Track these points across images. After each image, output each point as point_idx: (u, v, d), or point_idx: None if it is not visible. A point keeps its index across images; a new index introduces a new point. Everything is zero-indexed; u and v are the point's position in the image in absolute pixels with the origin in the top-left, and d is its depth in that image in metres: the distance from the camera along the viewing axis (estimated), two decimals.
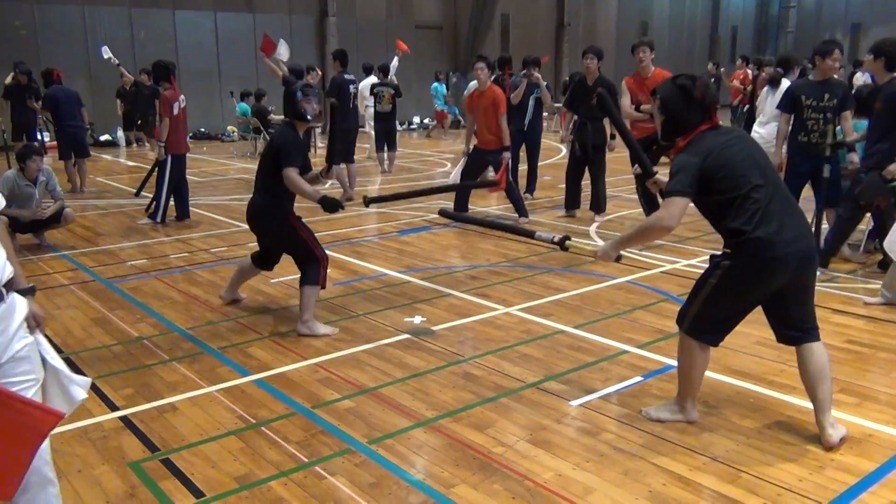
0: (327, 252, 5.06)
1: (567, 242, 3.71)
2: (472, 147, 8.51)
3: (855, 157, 6.20)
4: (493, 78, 9.24)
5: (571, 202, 8.65)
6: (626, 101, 7.62)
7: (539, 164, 10.26)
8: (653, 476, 3.06)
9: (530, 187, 9.93)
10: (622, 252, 3.58)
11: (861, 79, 17.65)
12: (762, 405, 3.70)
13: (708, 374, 4.01)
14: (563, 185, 8.79)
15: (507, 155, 8.15)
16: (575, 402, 3.75)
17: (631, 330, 4.78)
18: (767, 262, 3.08)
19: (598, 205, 8.47)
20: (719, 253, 3.24)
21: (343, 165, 9.81)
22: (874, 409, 3.65)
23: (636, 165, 7.75)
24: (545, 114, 11.58)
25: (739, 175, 3.10)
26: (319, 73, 15.02)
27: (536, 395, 3.85)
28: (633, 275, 6.08)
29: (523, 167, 10.03)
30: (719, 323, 3.31)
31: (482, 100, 8.23)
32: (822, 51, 6.22)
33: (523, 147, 9.66)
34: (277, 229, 4.91)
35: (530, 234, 4.01)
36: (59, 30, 16.58)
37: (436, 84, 19.36)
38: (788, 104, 6.43)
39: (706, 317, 3.29)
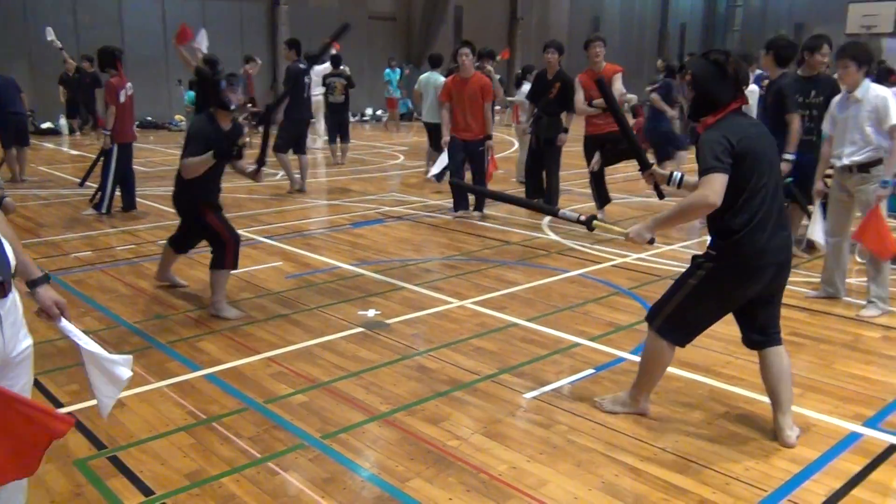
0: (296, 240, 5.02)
1: (594, 222, 3.55)
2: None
3: None
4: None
5: (532, 194, 8.70)
6: (579, 97, 7.71)
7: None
8: (605, 467, 3.10)
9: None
10: (654, 235, 3.38)
11: None
12: (709, 396, 3.78)
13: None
14: (515, 179, 8.84)
15: (490, 143, 8.10)
16: (529, 395, 3.78)
17: (583, 323, 4.84)
18: (751, 269, 3.09)
19: (551, 198, 8.53)
20: (702, 253, 3.23)
21: (294, 156, 9.71)
22: (817, 399, 3.76)
23: (593, 162, 7.92)
24: (497, 107, 11.62)
25: (758, 170, 3.06)
26: (259, 62, 14.83)
27: (491, 387, 3.87)
28: (585, 268, 6.15)
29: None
30: (691, 325, 3.31)
31: (466, 88, 7.95)
32: (810, 46, 6.11)
33: None
34: (187, 213, 5.09)
35: (555, 213, 3.87)
36: None
37: (388, 70, 19.26)
38: None
39: (680, 317, 3.27)
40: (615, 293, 5.48)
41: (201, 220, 5.01)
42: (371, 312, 5.01)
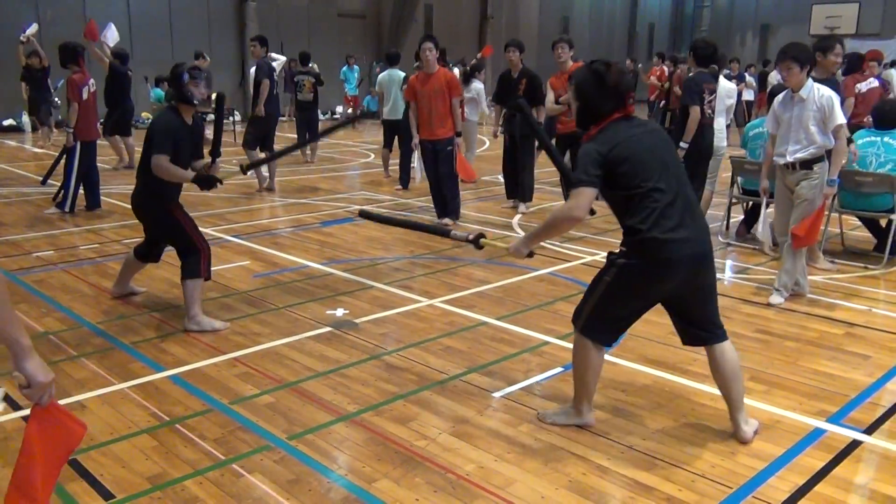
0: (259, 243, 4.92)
1: (481, 241, 3.59)
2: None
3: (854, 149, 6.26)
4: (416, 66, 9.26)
5: (511, 191, 8.72)
6: (550, 98, 7.78)
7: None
8: (572, 466, 3.10)
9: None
10: (533, 248, 3.44)
11: (776, 77, 18.39)
12: (676, 394, 3.80)
13: (624, 363, 4.13)
14: (486, 178, 8.84)
15: (459, 141, 7.77)
16: (497, 394, 3.77)
17: (552, 321, 4.84)
18: (661, 263, 3.05)
19: (524, 194, 8.55)
20: (616, 251, 3.20)
21: (259, 152, 9.60)
22: (781, 395, 3.80)
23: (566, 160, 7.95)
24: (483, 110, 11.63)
25: (641, 171, 3.03)
26: (209, 59, 14.75)
27: (459, 387, 3.85)
28: (555, 266, 6.16)
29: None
30: (613, 322, 3.28)
31: (429, 84, 7.56)
32: (822, 47, 5.91)
33: None
34: (156, 218, 4.79)
35: (446, 234, 3.88)
36: None
37: (345, 69, 19.14)
38: None
39: (600, 315, 3.24)
40: (583, 290, 5.48)
41: (168, 220, 4.72)
42: (339, 312, 4.97)
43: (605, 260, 3.23)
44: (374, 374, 4.01)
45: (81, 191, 8.06)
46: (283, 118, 14.14)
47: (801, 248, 5.16)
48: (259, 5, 19.88)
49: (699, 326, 3.27)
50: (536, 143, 8.22)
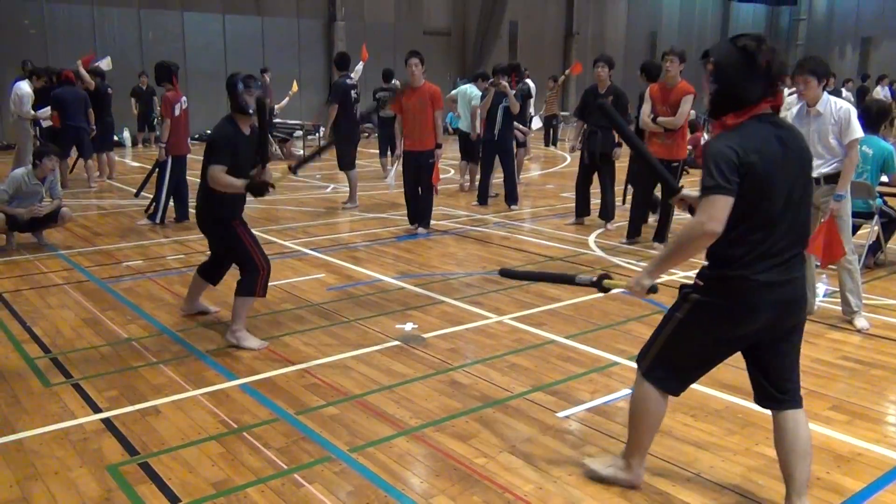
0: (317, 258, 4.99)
1: (605, 282, 3.08)
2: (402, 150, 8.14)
3: None
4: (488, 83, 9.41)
5: (581, 210, 8.62)
6: (646, 109, 7.30)
7: (534, 173, 10.21)
8: (637, 492, 3.01)
9: (511, 198, 9.75)
10: (656, 281, 2.83)
11: (881, 93, 17.61)
12: (749, 421, 3.64)
13: (696, 386, 3.96)
14: (566, 194, 8.75)
15: (439, 152, 7.97)
16: (561, 414, 3.71)
17: (623, 341, 4.74)
18: (745, 306, 2.64)
19: (607, 213, 8.42)
20: (690, 283, 2.80)
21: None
22: (865, 427, 3.59)
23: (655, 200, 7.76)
24: (562, 124, 11.60)
25: (768, 196, 2.57)
26: (269, 72, 15.32)
27: (523, 405, 3.81)
28: None
29: (497, 179, 10.08)
30: (682, 368, 2.85)
31: (414, 97, 7.82)
32: None
33: (494, 157, 9.75)
34: (217, 233, 4.80)
35: (571, 281, 3.43)
36: (67, 29, 16.64)
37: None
38: None
39: (667, 358, 2.84)
40: (659, 311, 5.35)
41: (230, 235, 4.69)
42: (409, 326, 5.00)
43: (686, 284, 2.83)
44: (438, 389, 4.01)
45: (171, 203, 8.42)
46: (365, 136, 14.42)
47: (842, 264, 5.03)
48: (347, 24, 20.38)
49: (772, 383, 2.79)
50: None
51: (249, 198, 4.71)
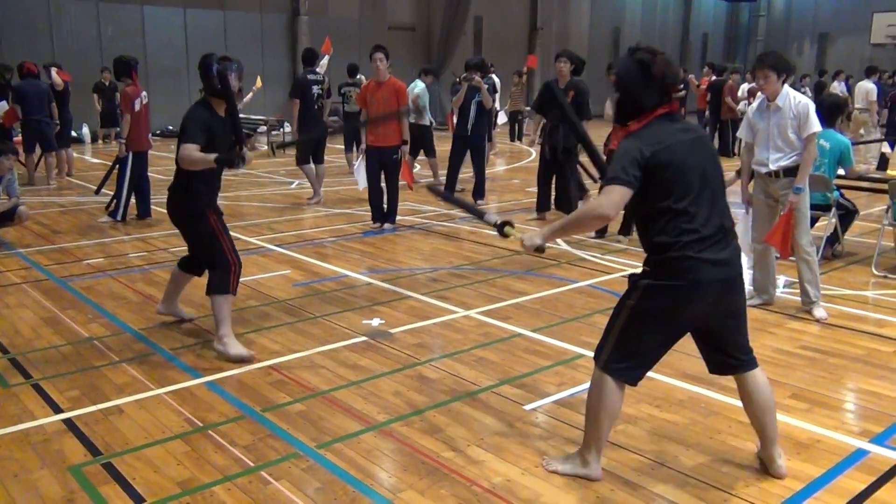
0: (304, 253, 4.92)
1: (506, 228, 3.26)
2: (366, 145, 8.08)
3: None
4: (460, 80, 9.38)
5: (543, 204, 8.67)
6: (610, 105, 7.49)
7: (495, 169, 10.26)
8: (601, 481, 3.04)
9: (478, 192, 9.80)
10: (547, 244, 3.05)
11: (838, 88, 18.01)
12: (713, 410, 3.71)
13: (660, 377, 4.04)
14: (531, 189, 8.80)
15: (405, 149, 7.95)
16: (528, 407, 3.73)
17: (589, 334, 4.78)
18: (691, 285, 2.78)
19: (569, 206, 8.48)
20: (637, 273, 2.94)
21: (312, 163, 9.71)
22: (823, 414, 3.68)
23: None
24: (527, 119, 11.66)
25: (682, 183, 2.77)
26: (235, 65, 15.13)
27: (490, 399, 3.83)
28: (595, 279, 6.09)
29: (466, 174, 10.09)
30: (639, 355, 2.93)
31: (379, 92, 7.79)
32: None
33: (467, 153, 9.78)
34: (188, 221, 4.51)
35: (480, 215, 3.60)
36: (22, 23, 16.25)
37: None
38: None
39: (624, 347, 2.92)
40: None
41: (201, 224, 4.42)
42: (375, 322, 4.99)
43: (633, 273, 2.98)
44: (405, 384, 4.01)
45: (133, 200, 8.29)
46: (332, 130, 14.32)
47: (801, 256, 5.13)
48: (311, 19, 20.21)
49: (727, 353, 3.01)
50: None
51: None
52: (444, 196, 5.14)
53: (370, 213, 8.25)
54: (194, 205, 4.44)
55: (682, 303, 2.84)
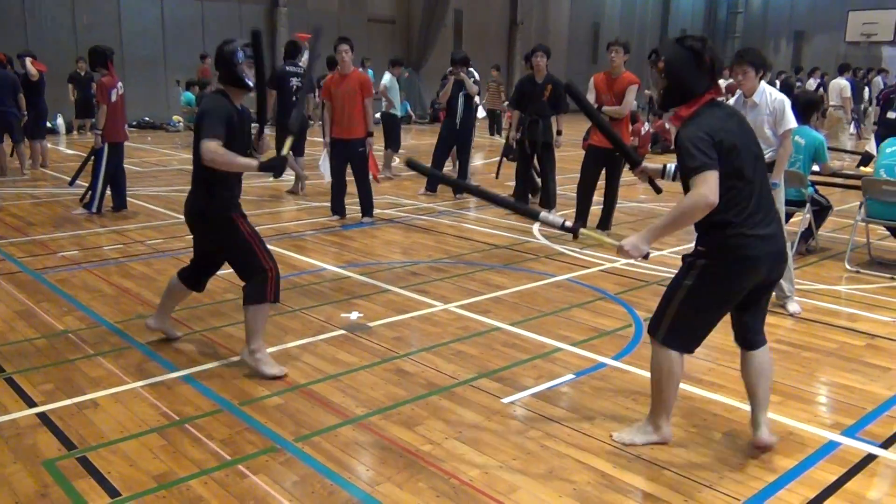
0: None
1: (581, 230, 3.24)
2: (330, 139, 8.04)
3: None
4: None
5: (523, 199, 8.69)
6: (590, 98, 7.40)
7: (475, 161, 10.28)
8: (578, 474, 3.07)
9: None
10: (650, 248, 3.09)
11: (813, 85, 18.20)
12: (688, 403, 3.75)
13: (636, 371, 4.09)
14: (510, 183, 8.82)
15: (370, 141, 7.93)
16: (506, 400, 3.75)
17: (566, 328, 4.81)
18: (747, 261, 2.96)
19: (549, 201, 8.50)
20: (692, 254, 3.10)
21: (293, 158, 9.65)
22: (796, 407, 3.73)
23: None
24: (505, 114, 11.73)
25: (744, 165, 2.93)
26: (209, 62, 15.26)
27: (468, 392, 3.84)
28: (573, 273, 6.11)
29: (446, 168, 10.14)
30: (696, 328, 3.12)
31: (343, 85, 7.73)
32: None
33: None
34: (215, 228, 4.02)
35: (536, 216, 3.34)
36: None
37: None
38: None
39: (683, 322, 3.09)
40: (601, 298, 5.45)
41: (230, 231, 3.96)
42: (354, 315, 4.98)
43: (635, 264, 3.15)
44: (383, 377, 4.01)
45: (108, 192, 8.19)
46: (311, 123, 14.23)
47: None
48: (290, 10, 20.07)
49: (754, 329, 3.21)
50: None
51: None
52: (479, 191, 4.03)
53: (350, 206, 8.22)
54: (222, 212, 3.97)
55: (739, 279, 3.01)
